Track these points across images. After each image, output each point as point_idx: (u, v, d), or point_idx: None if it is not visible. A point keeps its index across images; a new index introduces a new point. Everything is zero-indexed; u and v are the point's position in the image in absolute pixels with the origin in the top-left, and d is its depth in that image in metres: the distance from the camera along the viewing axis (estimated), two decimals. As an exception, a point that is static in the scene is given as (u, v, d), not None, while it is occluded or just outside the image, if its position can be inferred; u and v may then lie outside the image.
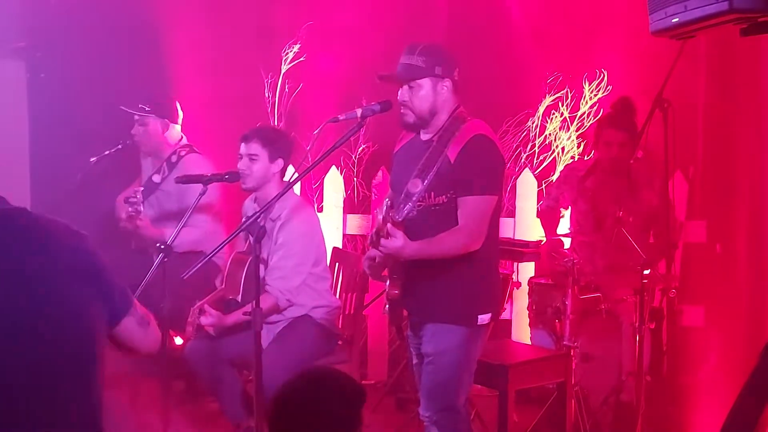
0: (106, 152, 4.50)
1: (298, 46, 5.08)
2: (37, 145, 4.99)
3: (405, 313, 3.18)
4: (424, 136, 3.11)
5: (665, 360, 4.35)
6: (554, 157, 5.04)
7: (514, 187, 5.01)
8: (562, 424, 3.74)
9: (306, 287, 3.75)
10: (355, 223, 5.17)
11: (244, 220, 3.79)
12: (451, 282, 3.04)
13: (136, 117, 4.39)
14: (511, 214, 4.99)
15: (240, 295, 3.73)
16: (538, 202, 4.92)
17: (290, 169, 4.11)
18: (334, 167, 5.13)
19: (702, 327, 4.53)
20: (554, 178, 4.89)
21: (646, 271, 3.70)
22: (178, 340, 3.81)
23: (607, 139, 4.21)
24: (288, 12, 5.24)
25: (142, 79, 4.83)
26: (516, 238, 4.84)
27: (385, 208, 2.80)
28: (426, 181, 2.98)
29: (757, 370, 2.11)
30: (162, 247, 3.36)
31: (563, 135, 5.03)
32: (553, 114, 5.02)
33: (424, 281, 3.04)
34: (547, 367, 3.79)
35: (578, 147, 5.01)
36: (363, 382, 4.52)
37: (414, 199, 2.99)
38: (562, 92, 4.99)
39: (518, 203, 5.01)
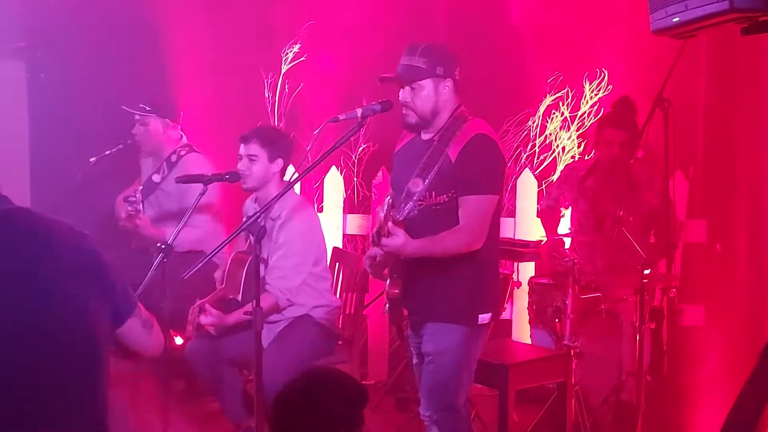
0: (107, 152, 4.50)
1: (298, 46, 5.08)
2: (37, 145, 4.99)
3: (405, 312, 3.18)
4: (425, 136, 3.11)
5: (665, 360, 4.35)
6: (554, 157, 5.04)
7: (514, 186, 5.01)
8: (563, 424, 3.74)
9: (306, 287, 3.75)
10: (355, 223, 5.17)
11: (244, 219, 3.79)
12: (451, 281, 3.04)
13: (137, 117, 4.39)
14: (512, 213, 4.98)
15: (240, 295, 3.73)
16: (538, 202, 4.92)
17: (290, 169, 4.11)
18: (334, 167, 5.13)
19: (702, 326, 4.53)
20: (554, 177, 4.89)
21: (647, 271, 3.69)
22: (179, 340, 3.81)
23: (607, 138, 4.21)
24: (288, 12, 5.23)
25: (142, 79, 4.83)
26: (516, 238, 4.84)
27: (386, 206, 2.80)
28: (427, 181, 2.98)
29: (758, 369, 2.11)
30: (162, 247, 3.36)
31: (564, 135, 5.03)
32: (554, 114, 5.02)
33: (425, 280, 3.04)
34: (548, 367, 3.79)
35: (579, 147, 5.01)
36: (363, 381, 4.52)
37: (415, 198, 2.98)
38: (562, 92, 4.98)
39: (518, 203, 5.01)
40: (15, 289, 1.81)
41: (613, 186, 4.22)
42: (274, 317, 3.71)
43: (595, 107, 4.95)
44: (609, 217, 4.13)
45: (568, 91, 4.98)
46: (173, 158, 4.43)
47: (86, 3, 4.90)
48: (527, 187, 5.01)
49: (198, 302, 3.60)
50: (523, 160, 5.05)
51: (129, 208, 4.08)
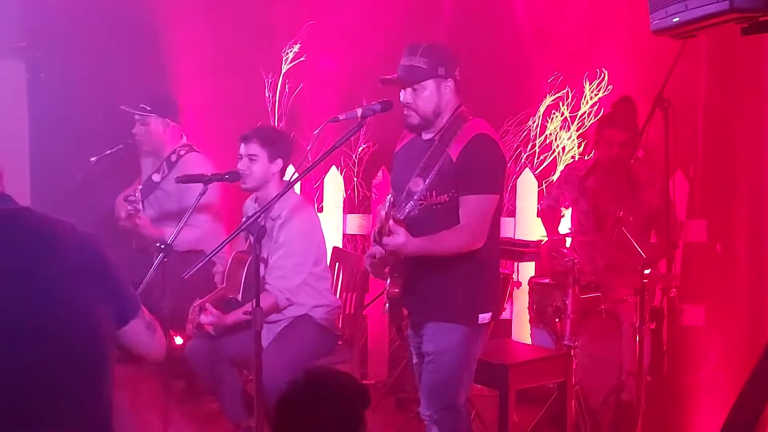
0: (107, 152, 4.50)
1: (298, 45, 5.08)
2: (37, 145, 4.99)
3: (405, 312, 3.18)
4: (426, 136, 3.11)
5: (666, 360, 4.35)
6: (555, 157, 5.04)
7: (514, 186, 5.01)
8: (563, 424, 3.74)
9: (306, 287, 3.75)
10: (355, 223, 5.17)
11: (244, 219, 3.79)
12: (451, 281, 3.04)
13: (137, 117, 4.39)
14: (512, 213, 4.98)
15: (240, 294, 3.73)
16: (538, 202, 4.92)
17: (290, 169, 4.11)
18: (334, 167, 5.12)
19: (702, 326, 4.53)
20: (555, 177, 4.89)
21: (647, 271, 3.69)
22: (178, 340, 3.81)
23: (607, 138, 4.21)
24: (288, 12, 5.23)
25: (142, 79, 4.83)
26: (516, 237, 4.84)
27: (387, 204, 2.81)
28: (427, 180, 2.98)
29: (758, 369, 2.11)
30: (162, 246, 3.36)
31: (564, 135, 5.02)
32: (554, 114, 5.02)
33: (425, 280, 3.04)
34: (548, 367, 3.79)
35: (579, 147, 5.01)
36: (363, 382, 4.50)
37: (415, 197, 2.99)
38: (562, 92, 4.98)
39: (519, 203, 5.01)
40: (18, 289, 1.81)
41: (614, 186, 4.22)
42: (273, 317, 3.71)
43: (595, 107, 4.95)
44: (609, 217, 4.13)
45: (568, 91, 4.98)
46: (173, 158, 4.43)
47: (86, 3, 4.90)
48: (527, 187, 5.01)
49: (198, 301, 3.60)
50: (523, 160, 5.05)
51: (129, 208, 4.08)
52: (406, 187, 3.02)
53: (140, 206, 4.12)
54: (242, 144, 3.75)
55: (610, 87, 4.89)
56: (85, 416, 1.87)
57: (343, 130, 3.07)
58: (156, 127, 4.40)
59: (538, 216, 4.84)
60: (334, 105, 4.71)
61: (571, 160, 4.94)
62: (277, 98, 5.09)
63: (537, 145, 5.05)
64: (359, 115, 2.98)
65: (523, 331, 4.75)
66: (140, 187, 4.31)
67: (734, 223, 4.14)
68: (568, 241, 4.48)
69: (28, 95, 5.09)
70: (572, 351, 3.74)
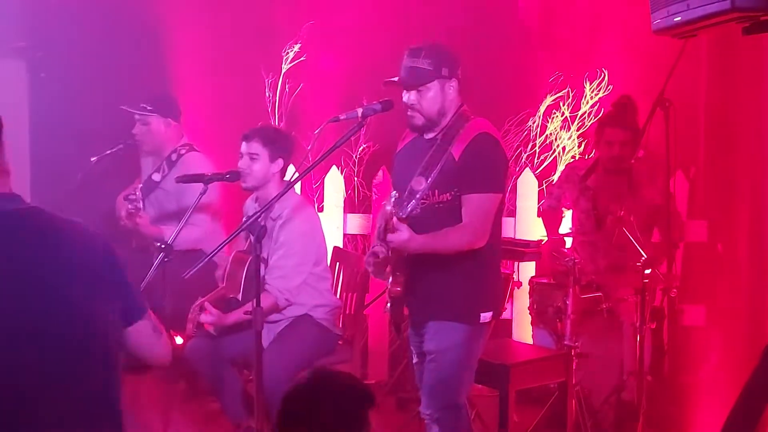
0: (107, 152, 4.50)
1: (298, 45, 5.08)
2: (38, 145, 4.99)
3: (406, 311, 3.17)
4: (428, 135, 3.11)
5: (666, 359, 4.35)
6: (555, 157, 5.04)
7: (514, 186, 5.00)
8: (563, 424, 3.74)
9: (306, 287, 3.75)
10: (356, 223, 5.17)
11: (244, 219, 3.79)
12: (453, 280, 3.04)
13: (137, 116, 4.39)
14: (512, 213, 4.98)
15: (240, 294, 3.73)
16: (539, 202, 4.92)
17: (291, 169, 4.10)
18: (334, 167, 5.12)
19: (703, 326, 4.53)
20: (555, 177, 4.88)
21: (647, 271, 3.69)
22: (179, 340, 3.81)
23: (608, 138, 4.21)
24: (289, 11, 5.23)
25: (143, 79, 4.83)
26: (517, 237, 4.84)
27: (393, 199, 2.81)
28: (430, 179, 2.98)
29: (758, 370, 2.11)
30: (162, 246, 3.36)
31: (564, 134, 5.02)
32: (554, 113, 5.02)
33: (427, 279, 3.04)
34: (548, 367, 3.79)
35: (579, 146, 5.01)
36: (364, 381, 4.52)
37: (418, 196, 2.99)
38: (563, 92, 4.98)
39: (519, 203, 5.01)
40: (23, 289, 1.80)
41: (614, 185, 4.22)
42: (274, 317, 3.71)
43: (596, 107, 4.95)
44: (610, 217, 4.12)
45: (568, 91, 4.98)
46: (173, 157, 4.43)
47: (86, 3, 4.90)
48: (528, 186, 5.01)
49: (199, 301, 3.60)
50: (523, 160, 5.05)
51: (129, 206, 4.08)
52: (408, 186, 3.02)
53: (140, 205, 4.12)
54: (243, 142, 3.75)
55: (611, 87, 4.89)
56: (92, 416, 1.87)
57: (344, 129, 3.07)
58: (157, 127, 4.40)
59: (538, 216, 4.84)
60: (334, 105, 4.70)
61: (572, 159, 4.94)
62: (277, 98, 5.09)
63: (537, 145, 5.05)
64: (360, 114, 2.98)
65: (523, 331, 4.75)
66: (141, 185, 4.31)
67: (735, 224, 4.14)
68: (569, 241, 4.48)
69: (28, 95, 5.09)
70: (573, 351, 3.74)
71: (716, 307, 4.35)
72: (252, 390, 3.22)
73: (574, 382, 3.75)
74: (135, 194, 4.10)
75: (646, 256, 3.69)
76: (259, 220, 3.35)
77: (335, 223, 5.09)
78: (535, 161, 5.05)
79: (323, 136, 3.73)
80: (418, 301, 3.11)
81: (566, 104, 4.99)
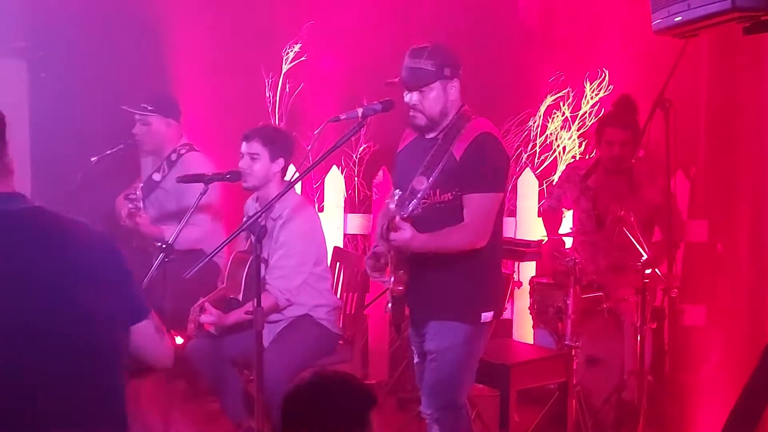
0: (108, 152, 4.50)
1: (299, 45, 5.07)
2: (38, 145, 4.98)
3: (407, 311, 3.17)
4: (429, 135, 3.11)
5: (667, 359, 4.35)
6: (555, 157, 5.04)
7: (515, 186, 5.00)
8: (564, 424, 3.73)
9: (307, 287, 3.75)
10: (356, 223, 5.17)
11: (245, 219, 3.78)
12: (455, 279, 3.04)
13: (138, 116, 4.39)
14: (513, 213, 4.98)
15: (241, 295, 3.73)
16: (539, 202, 4.91)
17: (291, 169, 4.10)
18: (335, 167, 5.12)
19: (703, 326, 4.53)
20: (555, 177, 4.88)
21: (648, 271, 3.69)
22: (179, 340, 3.81)
23: (608, 138, 4.20)
24: (289, 11, 5.23)
25: (143, 79, 4.83)
26: (517, 237, 4.84)
27: (397, 198, 2.81)
28: (431, 179, 2.99)
29: (759, 370, 2.11)
30: (163, 246, 3.36)
31: (564, 134, 5.02)
32: (555, 113, 5.02)
33: (428, 278, 3.04)
34: (549, 367, 3.79)
35: (579, 146, 5.01)
36: (364, 382, 4.51)
37: (419, 196, 2.99)
38: (563, 92, 4.98)
39: (519, 203, 5.01)
40: (27, 289, 1.80)
41: (615, 185, 4.22)
42: (274, 317, 3.71)
43: (596, 107, 4.95)
44: (610, 217, 4.12)
45: (569, 91, 4.98)
46: (173, 157, 4.42)
47: (87, 3, 4.90)
48: (528, 186, 5.01)
49: (199, 302, 3.60)
50: (524, 160, 5.05)
51: (130, 206, 4.08)
52: (409, 185, 3.02)
53: (141, 204, 4.12)
54: (244, 142, 3.74)
55: (611, 87, 4.89)
56: (96, 416, 1.87)
57: (344, 129, 3.07)
58: (158, 127, 4.40)
59: (539, 216, 4.84)
60: (334, 105, 4.70)
61: (572, 159, 4.94)
62: (277, 98, 5.09)
63: (538, 145, 5.05)
64: (360, 114, 2.98)
65: (524, 331, 4.75)
66: (141, 185, 4.31)
67: (735, 223, 4.14)
68: (569, 241, 4.48)
69: (28, 95, 5.09)
70: (573, 351, 3.74)
71: (717, 307, 4.35)
72: (252, 390, 3.22)
73: (574, 382, 3.75)
74: (135, 194, 4.10)
75: (647, 256, 3.69)
76: (260, 220, 3.35)
77: (335, 223, 5.08)
78: (536, 161, 5.05)
79: (323, 136, 3.73)
80: (419, 301, 3.11)
81: (566, 104, 4.99)
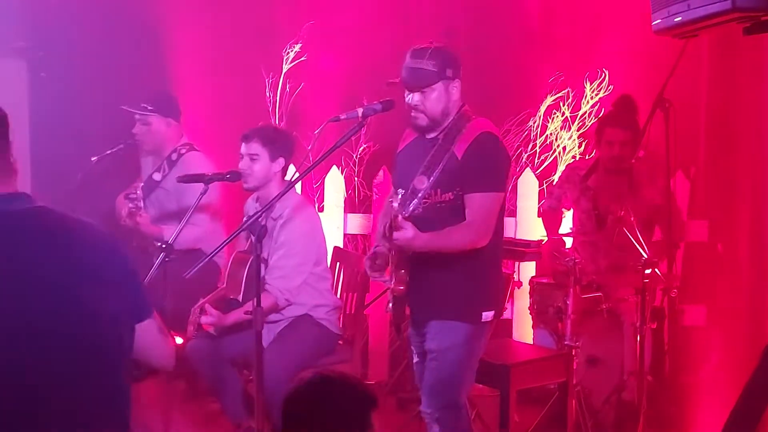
0: (108, 152, 4.50)
1: (299, 45, 5.07)
2: (38, 145, 4.98)
3: (407, 311, 3.18)
4: (429, 134, 3.11)
5: (667, 360, 4.35)
6: (555, 157, 5.04)
7: (515, 186, 5.00)
8: (564, 424, 3.74)
9: (307, 287, 3.75)
10: (356, 223, 5.17)
11: (245, 219, 3.78)
12: (455, 279, 3.05)
13: (138, 116, 4.39)
14: (513, 213, 4.98)
15: (241, 295, 3.72)
16: (539, 202, 4.91)
17: (291, 169, 4.10)
18: (335, 167, 5.12)
19: (703, 326, 4.53)
20: (555, 177, 4.89)
21: (648, 271, 3.69)
22: (179, 340, 3.81)
23: (608, 138, 4.21)
24: (289, 11, 5.23)
25: (143, 79, 4.83)
26: (517, 237, 4.84)
27: (399, 197, 2.81)
28: (432, 178, 2.99)
29: (759, 370, 2.11)
30: (163, 246, 3.36)
31: (564, 135, 5.02)
32: (555, 114, 5.02)
33: (429, 278, 3.04)
34: (549, 367, 3.79)
35: (579, 147, 5.01)
36: (364, 382, 4.51)
37: (420, 195, 2.99)
38: (563, 92, 4.98)
39: (519, 203, 5.01)
40: (31, 289, 1.80)
41: (615, 185, 4.22)
42: (274, 317, 3.71)
43: (596, 107, 4.95)
44: (610, 217, 4.12)
45: (568, 91, 4.98)
46: (174, 157, 4.43)
47: (87, 3, 4.90)
48: (528, 186, 5.01)
49: (199, 302, 3.60)
50: (524, 160, 5.05)
51: (130, 205, 4.08)
52: (410, 185, 3.02)
53: (141, 204, 4.12)
54: (243, 143, 3.74)
55: (611, 87, 4.89)
56: (101, 416, 1.87)
57: (344, 129, 3.07)
58: (158, 127, 4.40)
59: (539, 216, 4.84)
60: (335, 105, 4.70)
61: (572, 159, 4.94)
62: (277, 98, 5.09)
63: (538, 145, 5.05)
64: (360, 114, 2.98)
65: (524, 331, 4.75)
66: (141, 184, 4.31)
67: (735, 224, 4.14)
68: (569, 241, 4.48)
69: (28, 95, 5.09)
70: (573, 351, 3.74)
71: (717, 307, 4.35)
72: (252, 390, 3.22)
73: (574, 382, 3.75)
74: (136, 193, 4.10)
75: (647, 256, 3.69)
76: (260, 219, 3.35)
77: (335, 223, 5.08)
78: (536, 161, 5.05)
79: (323, 136, 3.73)
80: (419, 300, 3.11)
81: (566, 104, 4.99)
